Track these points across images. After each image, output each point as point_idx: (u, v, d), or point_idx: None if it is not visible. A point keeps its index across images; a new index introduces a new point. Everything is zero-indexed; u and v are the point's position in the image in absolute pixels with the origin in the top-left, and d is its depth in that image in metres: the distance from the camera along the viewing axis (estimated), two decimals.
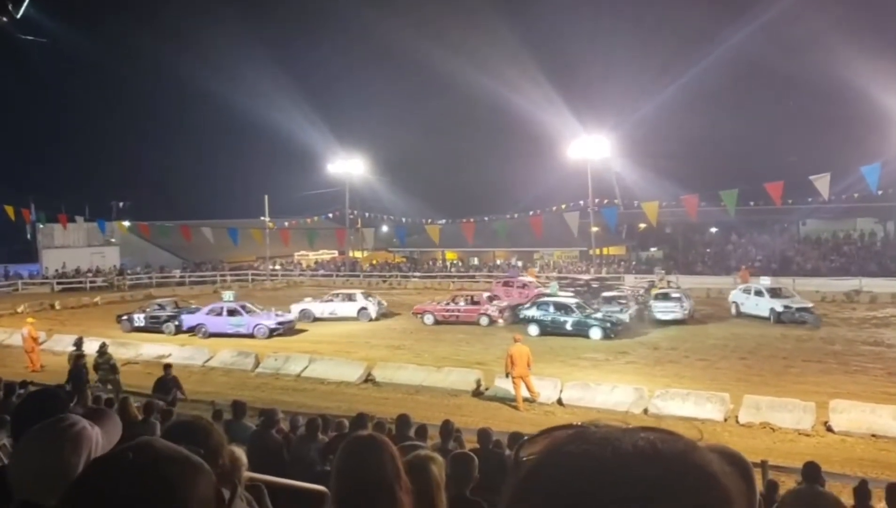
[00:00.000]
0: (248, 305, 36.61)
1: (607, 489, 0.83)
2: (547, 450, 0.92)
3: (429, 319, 36.91)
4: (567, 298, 34.77)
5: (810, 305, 34.73)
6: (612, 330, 31.05)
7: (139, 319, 36.71)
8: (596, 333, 30.99)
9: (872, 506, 8.75)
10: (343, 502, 2.41)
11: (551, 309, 32.65)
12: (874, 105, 52.16)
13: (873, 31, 68.42)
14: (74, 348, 23.42)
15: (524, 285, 42.17)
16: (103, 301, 49.90)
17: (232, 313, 35.16)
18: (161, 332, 35.48)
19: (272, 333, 34.07)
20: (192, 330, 35.04)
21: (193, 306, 38.64)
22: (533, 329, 32.33)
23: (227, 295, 38.60)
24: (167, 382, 19.76)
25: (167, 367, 20.85)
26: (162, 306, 37.78)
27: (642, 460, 0.86)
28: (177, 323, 35.81)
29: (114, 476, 1.26)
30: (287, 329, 35.12)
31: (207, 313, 35.58)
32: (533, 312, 33.11)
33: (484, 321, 35.73)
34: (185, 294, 50.46)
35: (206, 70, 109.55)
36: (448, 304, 37.65)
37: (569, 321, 31.82)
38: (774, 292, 35.87)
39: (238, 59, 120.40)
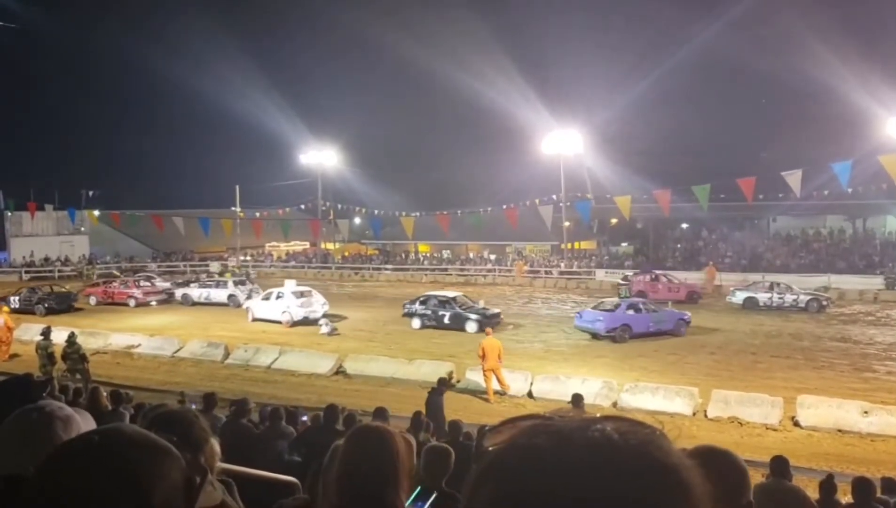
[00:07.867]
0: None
1: (560, 486, 0.82)
2: (507, 442, 0.91)
3: (93, 299, 43.64)
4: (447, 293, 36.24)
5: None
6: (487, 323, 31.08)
7: (14, 301, 39.22)
8: (472, 326, 31.61)
9: (838, 500, 8.84)
10: (347, 493, 2.34)
11: (433, 303, 33.80)
12: (846, 103, 52.86)
13: (846, 30, 69.23)
14: (42, 337, 23.21)
15: (669, 280, 43.37)
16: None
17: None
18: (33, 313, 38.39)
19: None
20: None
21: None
22: (416, 323, 33.54)
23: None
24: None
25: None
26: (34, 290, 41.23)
27: (598, 455, 0.85)
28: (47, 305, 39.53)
29: (79, 458, 1.25)
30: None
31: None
32: (416, 307, 34.12)
33: (132, 302, 42.52)
34: None
35: (177, 60, 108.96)
36: (108, 287, 44.66)
37: (447, 315, 32.80)
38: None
39: (210, 49, 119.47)
